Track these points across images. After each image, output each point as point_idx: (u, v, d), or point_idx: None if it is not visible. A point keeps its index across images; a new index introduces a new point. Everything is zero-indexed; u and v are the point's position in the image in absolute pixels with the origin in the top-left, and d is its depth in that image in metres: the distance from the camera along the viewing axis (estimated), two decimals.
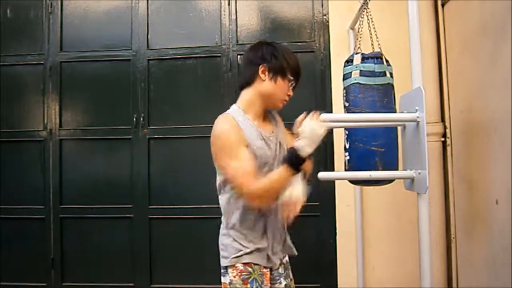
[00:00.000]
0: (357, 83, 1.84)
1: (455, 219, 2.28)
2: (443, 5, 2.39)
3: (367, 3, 2.05)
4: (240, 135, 1.43)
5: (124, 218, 2.77)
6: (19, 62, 2.90)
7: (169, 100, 2.80)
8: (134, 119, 2.78)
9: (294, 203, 1.35)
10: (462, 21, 2.18)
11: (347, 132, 1.92)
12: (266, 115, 1.58)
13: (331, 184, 2.57)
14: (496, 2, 1.76)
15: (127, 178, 2.78)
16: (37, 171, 2.84)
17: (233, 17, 2.76)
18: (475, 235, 2.03)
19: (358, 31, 2.17)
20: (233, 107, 1.53)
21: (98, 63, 2.85)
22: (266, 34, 2.75)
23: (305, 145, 1.36)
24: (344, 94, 1.92)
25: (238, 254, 1.45)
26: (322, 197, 2.62)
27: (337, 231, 2.59)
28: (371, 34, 2.08)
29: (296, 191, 1.35)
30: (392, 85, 1.89)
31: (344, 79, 1.93)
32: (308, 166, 1.47)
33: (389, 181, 1.85)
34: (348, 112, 1.89)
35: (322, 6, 2.71)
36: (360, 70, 1.84)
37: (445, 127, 2.35)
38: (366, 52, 1.91)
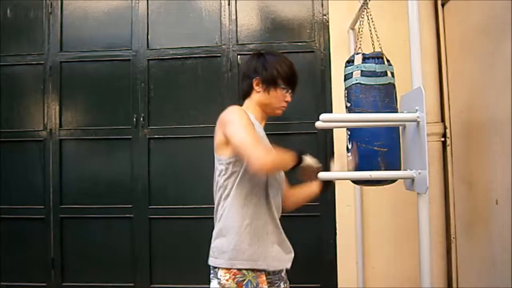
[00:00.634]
0: (359, 83, 1.84)
1: (455, 219, 2.28)
2: (443, 5, 2.39)
3: (367, 3, 2.05)
4: (253, 126, 1.47)
5: (124, 218, 2.77)
6: (19, 62, 2.89)
7: (169, 100, 2.80)
8: (134, 119, 2.78)
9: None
10: (462, 21, 2.18)
11: (349, 133, 1.92)
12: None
13: (331, 184, 2.57)
14: (496, 2, 1.76)
15: (127, 178, 2.78)
16: (37, 171, 2.84)
17: (233, 17, 2.76)
18: (475, 235, 2.03)
19: (358, 31, 2.17)
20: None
21: (98, 63, 2.85)
22: (266, 34, 2.75)
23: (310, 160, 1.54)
24: (346, 95, 1.92)
25: (235, 257, 1.44)
26: (322, 197, 2.61)
27: (337, 231, 2.59)
28: (371, 34, 2.08)
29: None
30: (394, 85, 1.89)
31: (345, 79, 1.93)
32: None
33: (391, 181, 1.85)
34: (350, 112, 1.89)
35: (322, 6, 2.71)
36: (361, 70, 1.84)
37: (445, 127, 2.35)
38: (366, 52, 1.91)
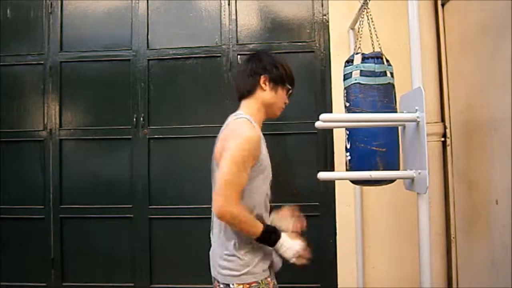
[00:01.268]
0: (358, 83, 1.84)
1: (455, 219, 2.28)
2: (443, 5, 2.39)
3: (367, 3, 2.05)
4: (258, 152, 1.44)
5: (124, 218, 2.77)
6: (19, 62, 2.90)
7: (169, 100, 2.80)
8: (134, 119, 2.78)
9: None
10: (462, 21, 2.18)
11: (348, 132, 1.92)
12: None
13: (331, 184, 2.57)
14: (496, 2, 1.76)
15: (127, 178, 2.78)
16: (37, 171, 2.84)
17: (233, 17, 2.76)
18: (475, 235, 2.03)
19: (358, 31, 2.17)
20: (246, 116, 1.50)
21: (98, 63, 2.85)
22: (266, 34, 2.76)
23: (284, 247, 1.46)
24: (345, 94, 1.93)
25: (247, 272, 1.45)
26: (322, 197, 2.62)
27: (337, 231, 2.59)
28: (371, 34, 2.08)
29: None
30: (393, 85, 1.89)
31: (344, 79, 1.93)
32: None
33: (390, 181, 1.85)
34: (349, 112, 1.89)
35: (322, 6, 2.71)
36: (361, 70, 1.84)
37: (445, 127, 2.35)
38: (366, 52, 1.91)
